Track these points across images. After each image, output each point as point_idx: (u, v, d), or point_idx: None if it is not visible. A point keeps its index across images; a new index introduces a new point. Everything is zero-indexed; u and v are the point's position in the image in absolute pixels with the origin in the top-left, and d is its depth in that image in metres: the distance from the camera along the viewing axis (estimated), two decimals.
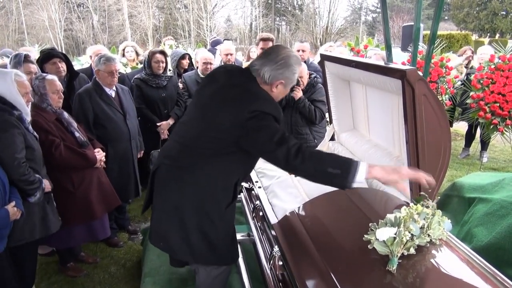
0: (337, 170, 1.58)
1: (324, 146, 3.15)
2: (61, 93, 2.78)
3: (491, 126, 4.59)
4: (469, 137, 6.10)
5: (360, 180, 1.58)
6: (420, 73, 1.94)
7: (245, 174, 1.97)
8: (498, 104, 4.49)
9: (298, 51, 4.61)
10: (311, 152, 1.66)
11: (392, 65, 2.01)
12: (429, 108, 1.81)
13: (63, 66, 3.42)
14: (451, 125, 5.93)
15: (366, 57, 5.60)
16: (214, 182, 1.83)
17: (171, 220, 1.89)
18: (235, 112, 1.72)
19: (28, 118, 2.39)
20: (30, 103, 2.48)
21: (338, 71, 2.68)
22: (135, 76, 4.07)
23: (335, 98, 2.92)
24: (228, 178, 1.86)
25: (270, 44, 4.09)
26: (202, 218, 1.85)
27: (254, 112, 1.68)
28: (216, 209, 1.86)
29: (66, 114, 2.82)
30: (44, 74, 2.76)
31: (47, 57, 3.38)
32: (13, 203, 2.18)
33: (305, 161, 1.61)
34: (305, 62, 4.56)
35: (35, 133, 2.46)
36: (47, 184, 2.49)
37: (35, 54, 4.79)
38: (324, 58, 2.83)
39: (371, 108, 2.63)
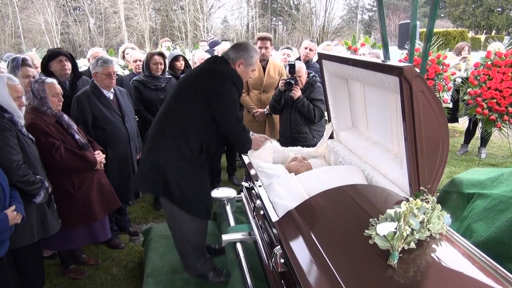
0: (249, 146, 2.66)
1: (324, 144, 3.16)
2: (61, 96, 2.78)
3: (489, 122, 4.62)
4: (469, 134, 6.11)
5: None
6: (418, 70, 1.95)
7: (211, 139, 2.44)
8: (495, 100, 4.52)
9: (306, 48, 4.62)
10: (247, 130, 2.58)
11: (389, 63, 2.02)
12: (426, 105, 1.82)
13: (68, 65, 3.46)
14: (457, 121, 5.89)
15: (359, 54, 5.62)
16: (186, 134, 2.37)
17: (148, 161, 2.44)
18: (208, 81, 2.35)
19: (21, 121, 2.39)
20: (23, 107, 2.48)
21: (335, 70, 2.69)
22: (134, 78, 4.08)
23: (333, 97, 2.94)
24: (196, 136, 2.37)
25: (268, 43, 4.09)
26: (171, 162, 2.37)
27: (221, 82, 2.32)
28: (181, 161, 2.37)
29: (66, 117, 2.82)
30: (44, 78, 2.77)
31: (54, 54, 3.44)
32: (13, 207, 2.18)
33: (245, 138, 2.56)
34: (307, 62, 4.58)
35: (30, 136, 2.45)
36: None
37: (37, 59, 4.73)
38: (322, 56, 2.84)
39: (369, 105, 2.64)
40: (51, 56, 3.42)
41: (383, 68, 1.97)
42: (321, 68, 2.87)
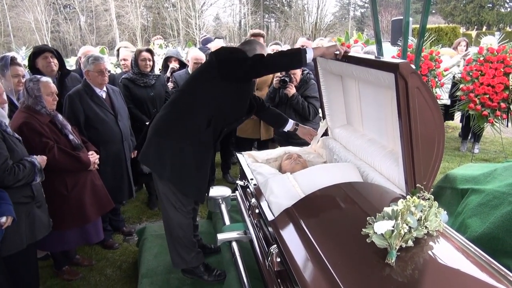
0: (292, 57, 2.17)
1: (318, 141, 3.15)
2: (55, 95, 2.74)
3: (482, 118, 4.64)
4: (466, 130, 6.13)
5: (310, 58, 2.17)
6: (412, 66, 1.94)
7: (219, 114, 2.34)
8: (487, 96, 4.54)
9: (303, 46, 4.61)
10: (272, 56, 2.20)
11: (384, 59, 2.01)
12: (422, 101, 1.81)
13: (54, 62, 3.39)
14: (452, 118, 5.93)
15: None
16: (190, 110, 2.31)
17: (151, 136, 2.39)
18: (213, 56, 2.34)
19: (5, 120, 2.31)
20: (6, 104, 2.42)
21: (330, 66, 2.68)
22: (123, 76, 4.03)
23: (328, 94, 2.92)
24: (201, 111, 2.31)
25: (261, 40, 4.08)
26: (173, 138, 2.31)
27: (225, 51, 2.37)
28: (186, 134, 2.30)
29: (60, 117, 2.78)
30: (39, 76, 2.72)
31: (39, 51, 3.38)
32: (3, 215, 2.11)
33: (277, 57, 2.19)
34: None
35: (16, 135, 2.38)
36: (40, 160, 2.43)
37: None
38: None
39: (364, 102, 2.63)
40: (36, 53, 3.37)
41: (378, 65, 1.96)
42: (315, 65, 2.86)
